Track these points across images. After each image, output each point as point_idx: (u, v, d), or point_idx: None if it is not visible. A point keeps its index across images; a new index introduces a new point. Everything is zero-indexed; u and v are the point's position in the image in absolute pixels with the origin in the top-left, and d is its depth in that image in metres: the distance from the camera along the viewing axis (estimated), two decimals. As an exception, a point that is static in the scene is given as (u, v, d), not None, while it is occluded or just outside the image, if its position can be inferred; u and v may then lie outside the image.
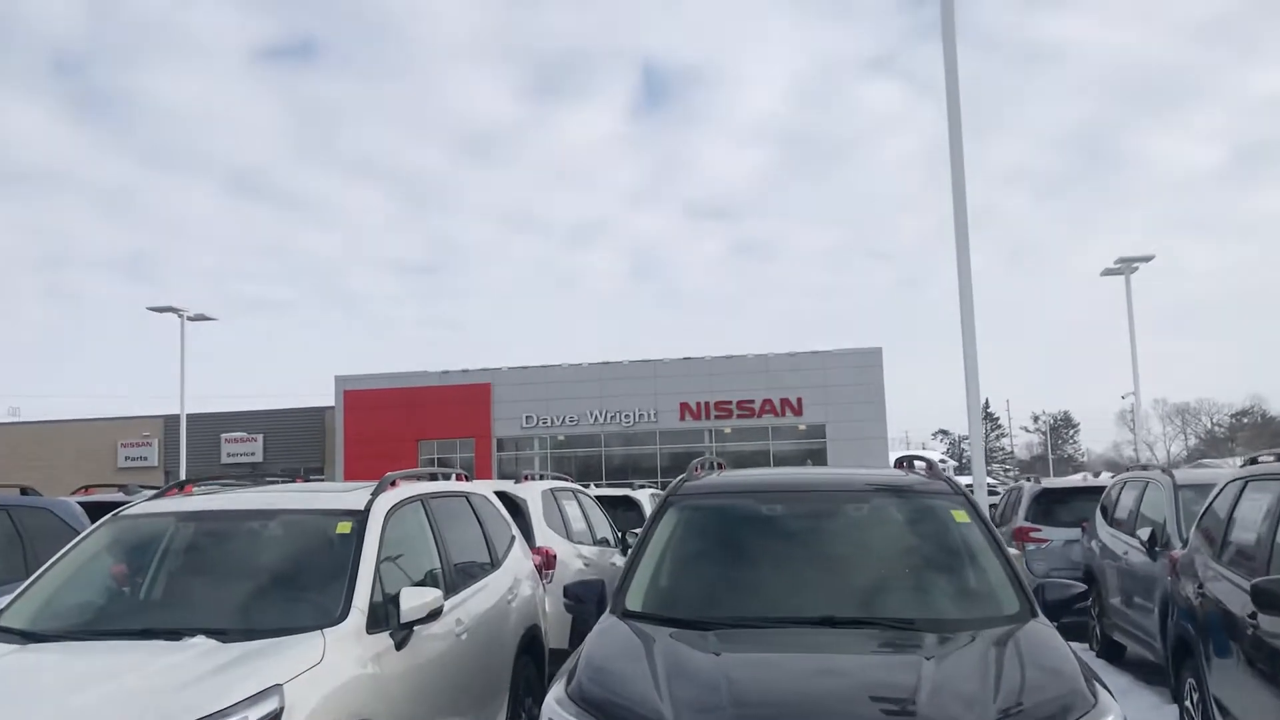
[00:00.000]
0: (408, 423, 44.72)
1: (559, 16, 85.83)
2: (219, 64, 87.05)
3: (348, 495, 5.27)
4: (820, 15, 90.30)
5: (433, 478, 6.28)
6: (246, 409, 47.98)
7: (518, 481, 8.73)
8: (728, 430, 44.85)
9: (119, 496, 8.60)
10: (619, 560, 9.65)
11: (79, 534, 7.03)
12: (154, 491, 5.90)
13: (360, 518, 4.97)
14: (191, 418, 46.34)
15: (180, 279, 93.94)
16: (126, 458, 47.11)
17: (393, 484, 5.46)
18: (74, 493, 9.70)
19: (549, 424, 44.99)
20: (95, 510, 7.49)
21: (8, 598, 4.81)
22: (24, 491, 7.01)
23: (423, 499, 5.68)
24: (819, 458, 43.76)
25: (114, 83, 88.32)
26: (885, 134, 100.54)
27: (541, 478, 9.17)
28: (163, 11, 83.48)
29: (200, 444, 43.27)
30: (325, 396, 46.83)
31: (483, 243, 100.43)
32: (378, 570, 4.75)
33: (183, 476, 32.92)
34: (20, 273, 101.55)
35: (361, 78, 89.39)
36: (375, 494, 5.19)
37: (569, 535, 8.73)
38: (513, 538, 6.83)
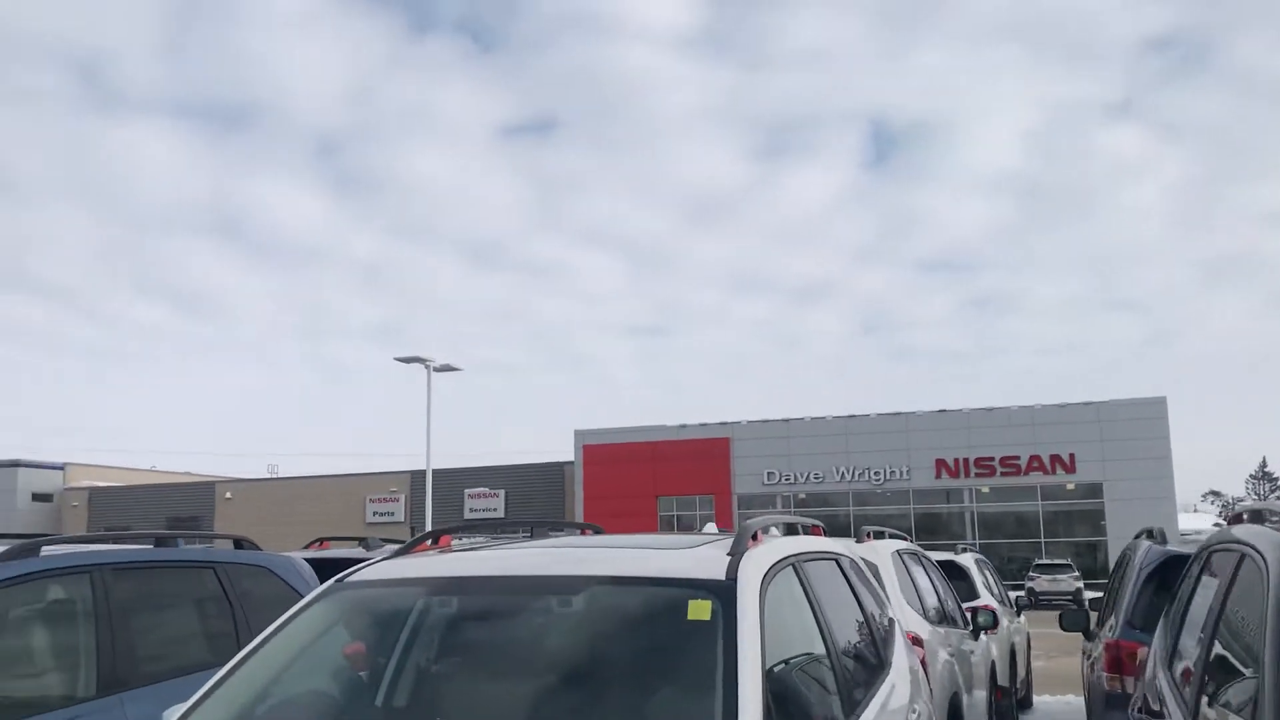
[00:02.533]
0: (647, 478, 43.32)
1: (786, 79, 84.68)
2: (465, 142, 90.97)
3: (691, 555, 3.28)
4: (1054, 62, 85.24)
5: (791, 530, 4.18)
6: (488, 464, 47.82)
7: (859, 540, 6.52)
8: (985, 490, 41.10)
9: (357, 552, 6.96)
10: (971, 646, 7.28)
11: (298, 594, 5.34)
12: (396, 546, 4.03)
13: (724, 593, 2.94)
14: (436, 473, 46.68)
15: (424, 344, 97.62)
16: (375, 513, 47.70)
17: (754, 537, 3.40)
18: (307, 546, 8.18)
19: (791, 480, 42.53)
20: (325, 568, 5.84)
21: (196, 695, 3.04)
22: (238, 544, 5.37)
23: (795, 562, 3.60)
24: (1093, 520, 39.39)
25: (369, 163, 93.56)
26: (1127, 180, 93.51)
27: (878, 535, 6.91)
28: (415, 96, 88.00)
29: (445, 499, 43.15)
30: (564, 452, 46.12)
31: (709, 304, 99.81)
32: (766, 680, 2.70)
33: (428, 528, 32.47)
34: (283, 340, 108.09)
35: (596, 149, 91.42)
36: (738, 553, 3.15)
37: (925, 613, 6.43)
38: (891, 621, 4.67)
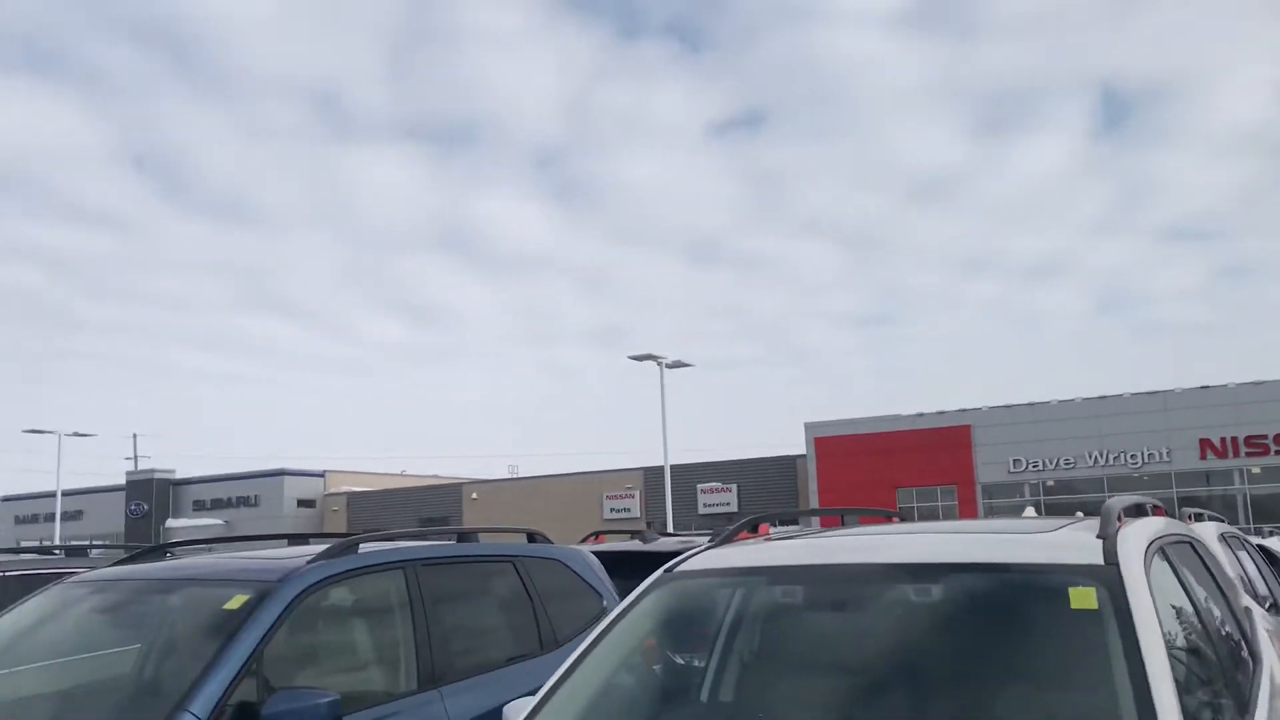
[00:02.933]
0: (882, 469, 42.26)
1: (1004, 49, 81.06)
2: (678, 143, 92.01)
3: (1056, 538, 2.96)
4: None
5: (1139, 510, 3.75)
6: (719, 459, 47.91)
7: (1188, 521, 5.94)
8: (1256, 470, 37.86)
9: (635, 545, 6.91)
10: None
11: (594, 589, 5.29)
12: (709, 537, 3.89)
13: (1108, 578, 2.63)
14: (673, 469, 47.18)
15: (648, 343, 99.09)
16: (611, 509, 48.62)
17: (1119, 518, 3.04)
18: (583, 540, 8.24)
19: (1039, 467, 40.49)
20: (609, 561, 5.79)
21: (529, 700, 2.96)
22: (531, 538, 5.38)
23: (1162, 545, 3.20)
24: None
25: (587, 171, 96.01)
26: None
27: (1198, 517, 6.29)
28: (628, 101, 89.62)
29: (678, 494, 43.49)
30: (793, 446, 45.61)
31: (934, 288, 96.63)
32: (1178, 687, 2.38)
33: (669, 527, 32.72)
34: (514, 346, 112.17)
35: (808, 139, 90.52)
36: (1109, 535, 2.81)
37: (1259, 602, 5.79)
38: (1248, 610, 4.16)
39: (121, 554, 5.71)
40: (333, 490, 54.19)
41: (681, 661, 3.14)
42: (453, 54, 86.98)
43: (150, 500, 52.76)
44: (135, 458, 62.26)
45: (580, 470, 50.97)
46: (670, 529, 25.00)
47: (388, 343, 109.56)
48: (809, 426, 44.62)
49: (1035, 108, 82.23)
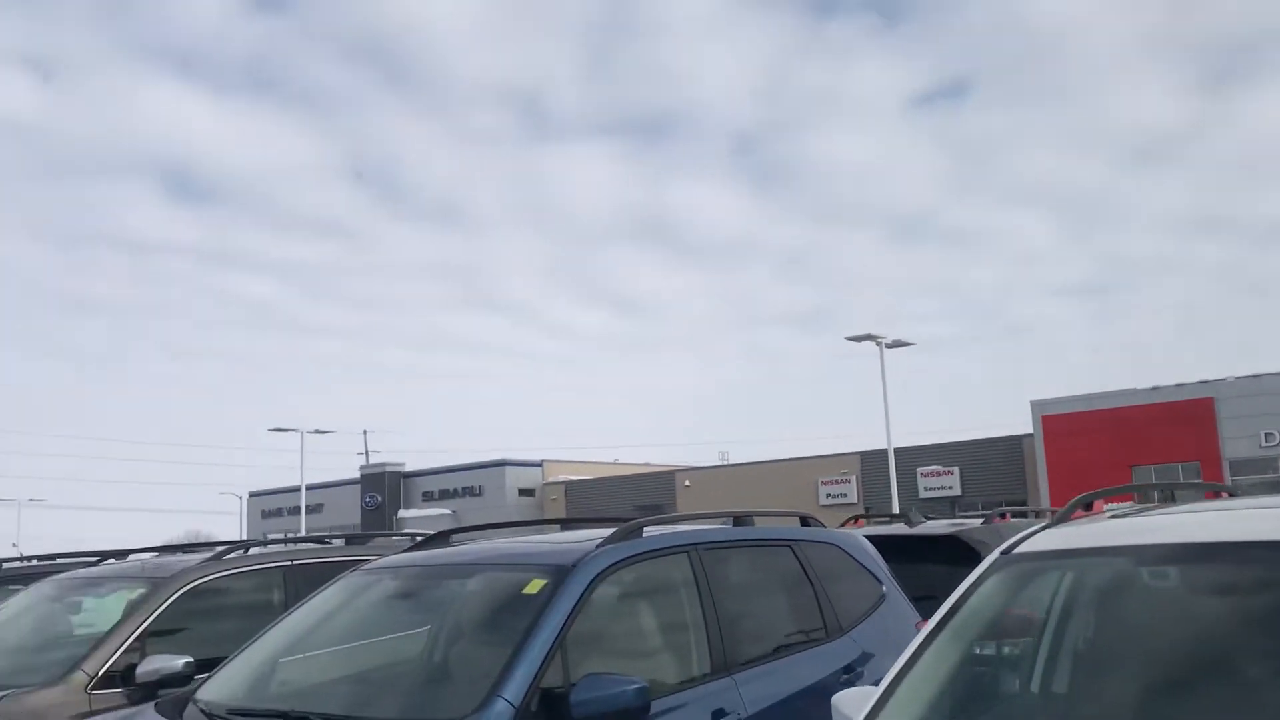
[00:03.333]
0: (1116, 447, 40.03)
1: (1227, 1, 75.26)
2: (877, 119, 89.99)
3: None
4: None
5: None
6: (939, 442, 46.53)
7: None
8: None
9: (901, 529, 6.73)
10: None
11: (871, 573, 5.14)
12: (982, 519, 3.69)
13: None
14: (886, 453, 46.17)
15: (853, 325, 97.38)
16: (827, 495, 48.03)
17: None
18: (843, 524, 8.13)
19: (1296, 441, 37.45)
20: (878, 545, 5.64)
21: (867, 691, 2.88)
22: (804, 522, 5.30)
23: None
24: None
25: (784, 153, 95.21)
26: None
27: None
28: (824, 80, 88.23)
29: (897, 478, 42.54)
30: (1013, 425, 43.78)
31: (1158, 254, 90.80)
32: None
33: (894, 509, 32.01)
34: (722, 333, 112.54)
35: (1015, 105, 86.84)
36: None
37: None
38: None
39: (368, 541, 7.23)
40: (551, 479, 55.72)
41: (1019, 650, 2.97)
42: (646, 46, 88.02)
43: (383, 492, 55.70)
44: (366, 452, 65.88)
45: (793, 456, 50.57)
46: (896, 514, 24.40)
47: (593, 334, 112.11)
48: (1035, 404, 42.73)
49: (1267, 56, 76.09)
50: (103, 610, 5.76)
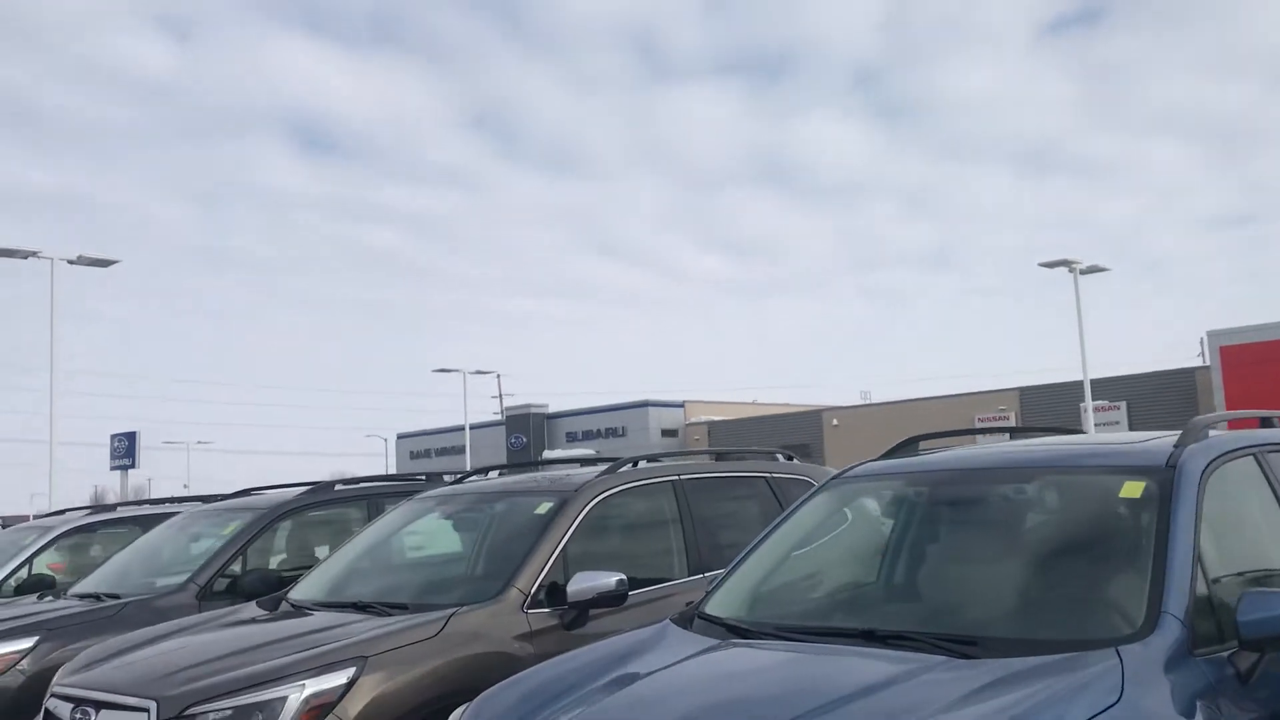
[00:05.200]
0: (1300, 380, 39.03)
1: None
2: (1006, 48, 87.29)
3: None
4: None
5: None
6: (1106, 375, 46.06)
7: None
8: None
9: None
10: None
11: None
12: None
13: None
14: (1047, 388, 45.98)
15: (980, 263, 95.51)
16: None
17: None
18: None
19: None
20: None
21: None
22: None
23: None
24: None
25: (908, 86, 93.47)
26: None
27: None
28: (951, 8, 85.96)
29: (1063, 413, 42.46)
30: (1176, 359, 42.98)
31: None
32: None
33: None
34: (840, 274, 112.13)
35: (1153, 30, 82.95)
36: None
37: None
38: None
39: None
40: (693, 420, 57.40)
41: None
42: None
43: (528, 433, 58.53)
44: (500, 396, 69.23)
45: (949, 393, 50.79)
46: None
47: (716, 277, 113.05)
48: (1212, 335, 41.91)
49: None
50: (502, 526, 5.80)
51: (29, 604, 7.51)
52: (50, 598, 7.81)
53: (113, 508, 11.88)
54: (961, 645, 3.13)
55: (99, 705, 4.50)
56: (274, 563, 7.60)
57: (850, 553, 4.34)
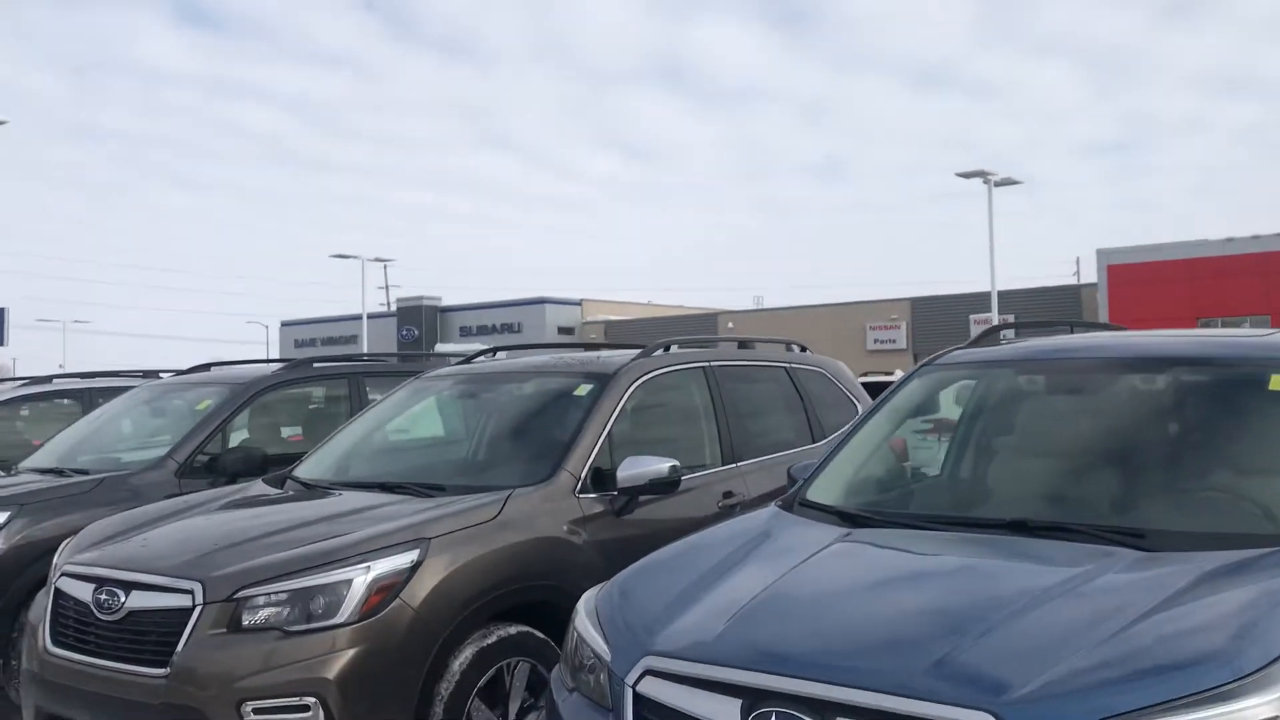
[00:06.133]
0: (1184, 300, 40.76)
1: None
2: None
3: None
4: None
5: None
6: (995, 289, 47.40)
7: None
8: None
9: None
10: None
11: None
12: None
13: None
14: (939, 299, 47.13)
15: (870, 179, 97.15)
16: (875, 340, 49.36)
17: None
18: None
19: (1371, 298, 38.04)
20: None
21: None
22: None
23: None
24: None
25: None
26: None
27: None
28: None
29: (950, 326, 43.65)
30: (1065, 276, 44.46)
31: (1182, 114, 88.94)
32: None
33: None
34: (736, 181, 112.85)
35: None
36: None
37: None
38: None
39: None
40: (590, 319, 57.41)
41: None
42: None
43: (420, 326, 57.80)
44: (386, 286, 68.19)
45: (841, 301, 51.70)
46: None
47: (614, 180, 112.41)
48: (1101, 253, 43.38)
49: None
50: (535, 407, 5.71)
51: None
52: (2, 472, 7.51)
53: (48, 379, 11.40)
54: (1130, 537, 3.05)
55: (129, 585, 4.18)
56: (250, 441, 7.42)
57: (956, 441, 4.37)
